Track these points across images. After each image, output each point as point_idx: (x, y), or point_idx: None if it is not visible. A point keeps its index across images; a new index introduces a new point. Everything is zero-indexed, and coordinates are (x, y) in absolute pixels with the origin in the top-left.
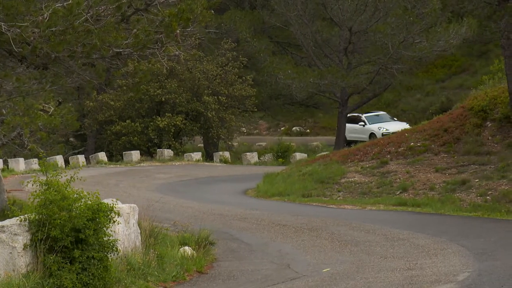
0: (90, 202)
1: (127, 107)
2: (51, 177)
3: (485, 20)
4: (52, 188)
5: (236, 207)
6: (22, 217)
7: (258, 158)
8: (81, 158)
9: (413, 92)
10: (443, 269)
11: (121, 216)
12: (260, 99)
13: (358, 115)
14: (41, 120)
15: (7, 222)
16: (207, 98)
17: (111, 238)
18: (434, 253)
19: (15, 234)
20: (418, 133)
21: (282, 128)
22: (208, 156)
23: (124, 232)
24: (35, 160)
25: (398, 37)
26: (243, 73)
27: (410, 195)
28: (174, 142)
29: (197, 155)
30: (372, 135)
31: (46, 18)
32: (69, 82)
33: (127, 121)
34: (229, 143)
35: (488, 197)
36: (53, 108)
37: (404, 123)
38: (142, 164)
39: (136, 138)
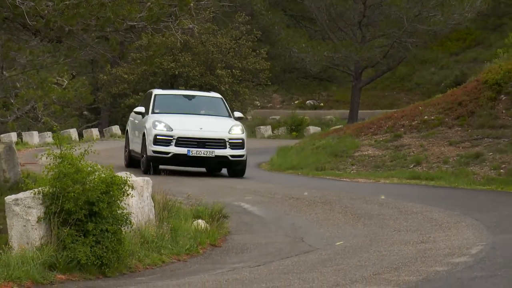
0: (104, 175)
1: (141, 81)
2: (65, 150)
3: None
4: (66, 161)
5: (249, 181)
6: (36, 190)
7: (272, 132)
8: (95, 131)
9: (427, 65)
10: (456, 242)
11: (134, 189)
12: (274, 73)
13: (149, 92)
14: (55, 94)
15: (21, 195)
16: (221, 71)
17: (124, 211)
18: (447, 226)
19: (29, 207)
20: (432, 107)
21: (295, 102)
22: None
23: (138, 205)
24: (49, 133)
25: (413, 10)
26: (257, 46)
27: (424, 169)
28: None
29: None
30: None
31: None
32: (82, 56)
33: (140, 94)
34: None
35: (502, 171)
36: (67, 82)
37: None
38: None
39: None
